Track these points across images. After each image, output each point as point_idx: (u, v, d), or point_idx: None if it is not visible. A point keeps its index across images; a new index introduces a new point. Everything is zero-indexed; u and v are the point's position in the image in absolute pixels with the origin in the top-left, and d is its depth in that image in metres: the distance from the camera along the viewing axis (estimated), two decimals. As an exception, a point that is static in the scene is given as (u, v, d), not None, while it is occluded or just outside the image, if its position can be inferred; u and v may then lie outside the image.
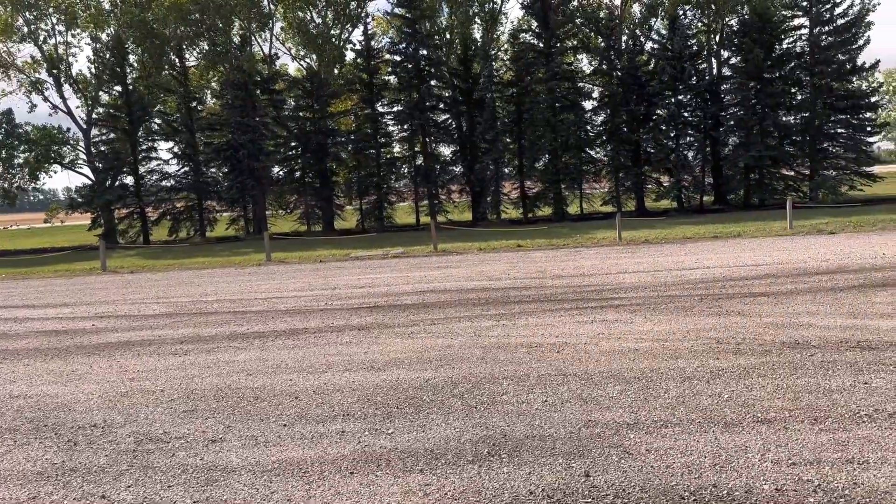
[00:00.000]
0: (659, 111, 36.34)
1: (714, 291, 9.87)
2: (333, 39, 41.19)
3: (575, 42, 38.43)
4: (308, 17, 41.01)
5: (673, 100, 35.87)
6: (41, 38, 41.05)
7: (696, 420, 4.67)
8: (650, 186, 37.39)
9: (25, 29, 40.26)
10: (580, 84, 37.86)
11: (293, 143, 39.01)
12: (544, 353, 6.78)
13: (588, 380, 5.76)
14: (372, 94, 37.61)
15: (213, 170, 39.57)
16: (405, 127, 38.16)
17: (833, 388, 5.19)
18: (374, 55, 38.12)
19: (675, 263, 13.46)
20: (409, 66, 37.22)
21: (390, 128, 38.93)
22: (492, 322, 8.60)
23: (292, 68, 47.99)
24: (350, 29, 41.88)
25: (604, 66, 37.33)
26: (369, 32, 38.93)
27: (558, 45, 36.51)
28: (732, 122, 35.93)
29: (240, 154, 36.26)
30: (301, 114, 39.10)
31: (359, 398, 5.65)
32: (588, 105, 38.04)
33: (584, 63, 40.84)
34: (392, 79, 38.92)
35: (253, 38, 40.86)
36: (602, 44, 37.34)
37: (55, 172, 53.16)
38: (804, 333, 6.97)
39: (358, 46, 38.99)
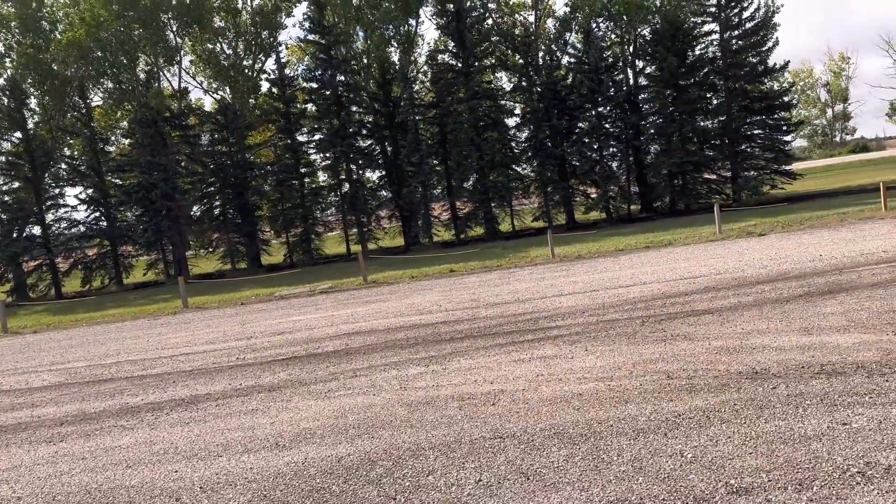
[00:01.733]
0: (581, 124, 36.27)
1: (655, 311, 9.23)
2: (246, 70, 39.90)
3: (493, 60, 38.24)
4: (218, 49, 39.64)
5: (593, 112, 35.88)
6: (-71, 84, 38.46)
7: (659, 497, 3.84)
8: (578, 199, 37.18)
9: None
10: (501, 101, 37.57)
11: (211, 179, 37.25)
12: (478, 408, 5.92)
13: (528, 443, 4.90)
14: (290, 124, 36.34)
15: (126, 213, 37.54)
16: (328, 155, 36.97)
17: (809, 433, 4.44)
18: (289, 84, 36.95)
19: (612, 280, 12.85)
20: (327, 92, 36.19)
21: (312, 156, 37.75)
22: (420, 368, 7.71)
23: (207, 102, 46.31)
24: (263, 58, 40.70)
25: (523, 83, 37.15)
26: (283, 61, 37.85)
27: (476, 63, 36.19)
28: (653, 131, 36.18)
29: (153, 194, 34.41)
30: (217, 148, 37.48)
31: (253, 496, 4.62)
32: (511, 122, 37.79)
33: (504, 81, 40.77)
34: (310, 107, 37.78)
35: (160, 73, 39.17)
36: (520, 60, 37.19)
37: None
38: (760, 359, 6.31)
39: (272, 76, 37.83)
